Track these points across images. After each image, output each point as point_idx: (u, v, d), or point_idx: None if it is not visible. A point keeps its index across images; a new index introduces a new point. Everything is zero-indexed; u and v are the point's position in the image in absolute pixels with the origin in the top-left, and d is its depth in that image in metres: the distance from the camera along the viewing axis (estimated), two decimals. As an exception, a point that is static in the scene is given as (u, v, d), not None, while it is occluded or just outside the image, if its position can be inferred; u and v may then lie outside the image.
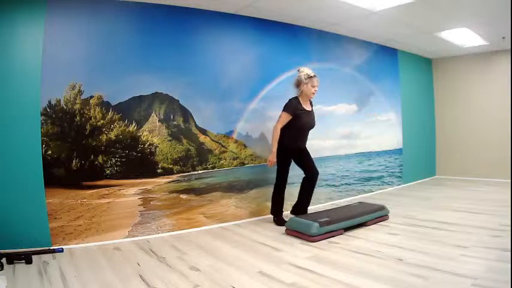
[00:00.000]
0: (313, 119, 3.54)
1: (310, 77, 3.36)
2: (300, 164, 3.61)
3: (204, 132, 3.69)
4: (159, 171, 3.42)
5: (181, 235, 3.27)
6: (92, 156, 3.10)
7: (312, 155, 3.61)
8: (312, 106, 3.56)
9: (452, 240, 2.77)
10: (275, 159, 3.43)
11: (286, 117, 3.37)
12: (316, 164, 3.59)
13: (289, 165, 3.53)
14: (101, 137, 3.13)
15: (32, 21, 2.80)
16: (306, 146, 3.61)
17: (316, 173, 3.57)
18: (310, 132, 3.59)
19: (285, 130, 3.40)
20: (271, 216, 3.67)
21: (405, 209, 3.90)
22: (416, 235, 2.97)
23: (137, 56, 3.24)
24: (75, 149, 3.02)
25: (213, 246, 2.92)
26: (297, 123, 3.39)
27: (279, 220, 3.55)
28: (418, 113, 6.02)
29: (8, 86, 2.75)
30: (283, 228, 3.25)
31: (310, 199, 3.64)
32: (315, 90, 3.41)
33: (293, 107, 3.36)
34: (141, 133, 3.34)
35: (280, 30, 4.13)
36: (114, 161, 3.20)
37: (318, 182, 3.60)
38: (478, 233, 2.92)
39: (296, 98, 3.43)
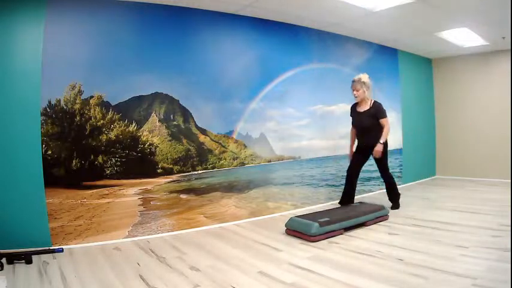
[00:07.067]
0: (362, 119, 3.79)
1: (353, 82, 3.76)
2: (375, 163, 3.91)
3: (204, 132, 3.69)
4: (159, 171, 3.42)
5: (181, 235, 3.26)
6: (92, 156, 3.10)
7: (312, 155, 3.62)
8: (370, 107, 3.75)
9: (452, 240, 2.77)
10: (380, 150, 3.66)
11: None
12: (316, 164, 3.59)
13: (353, 160, 3.91)
14: (101, 137, 3.13)
15: (32, 21, 2.80)
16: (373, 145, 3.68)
17: (385, 176, 3.87)
18: (310, 131, 3.57)
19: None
20: (271, 216, 3.64)
21: (405, 209, 3.90)
22: (416, 235, 2.97)
23: (137, 56, 3.23)
24: (75, 149, 3.02)
25: (213, 246, 2.92)
26: (353, 124, 3.95)
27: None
28: (418, 113, 6.02)
29: (8, 86, 2.75)
30: (283, 228, 3.24)
31: (392, 195, 3.95)
32: (354, 94, 3.77)
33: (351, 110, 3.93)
34: (141, 133, 3.34)
35: (280, 30, 4.13)
36: (114, 161, 3.20)
37: (318, 182, 3.59)
38: (478, 233, 2.92)
39: (356, 102, 3.84)
